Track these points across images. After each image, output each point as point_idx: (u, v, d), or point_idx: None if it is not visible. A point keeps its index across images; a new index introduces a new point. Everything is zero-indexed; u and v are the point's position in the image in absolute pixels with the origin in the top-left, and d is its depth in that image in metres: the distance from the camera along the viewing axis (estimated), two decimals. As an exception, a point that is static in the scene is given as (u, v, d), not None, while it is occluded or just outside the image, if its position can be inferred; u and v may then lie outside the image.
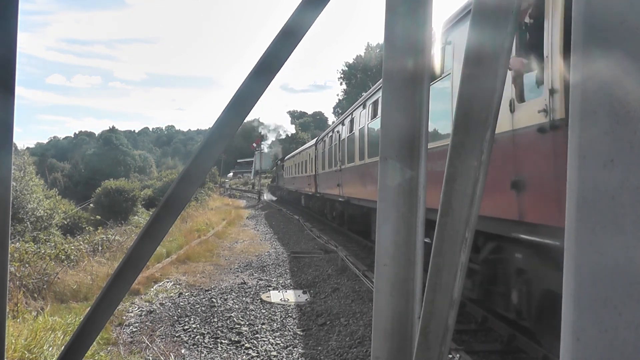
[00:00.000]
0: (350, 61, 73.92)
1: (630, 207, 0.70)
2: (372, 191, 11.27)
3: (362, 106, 13.13)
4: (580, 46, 0.73)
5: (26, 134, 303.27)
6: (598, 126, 0.72)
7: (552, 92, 4.19)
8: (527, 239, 4.51)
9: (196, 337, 6.39)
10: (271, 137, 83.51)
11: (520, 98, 4.77)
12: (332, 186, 17.94)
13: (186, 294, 8.73)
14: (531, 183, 4.58)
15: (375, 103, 11.60)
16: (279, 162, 47.94)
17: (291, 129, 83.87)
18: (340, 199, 16.54)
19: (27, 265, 8.40)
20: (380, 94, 11.30)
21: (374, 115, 11.59)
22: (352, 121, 14.37)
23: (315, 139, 25.30)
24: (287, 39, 1.34)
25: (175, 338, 6.36)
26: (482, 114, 1.01)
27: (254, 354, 5.79)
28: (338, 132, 16.90)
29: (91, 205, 30.39)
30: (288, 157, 40.32)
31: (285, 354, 5.78)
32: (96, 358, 5.29)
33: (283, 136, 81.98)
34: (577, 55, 0.74)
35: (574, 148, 0.74)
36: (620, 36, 0.71)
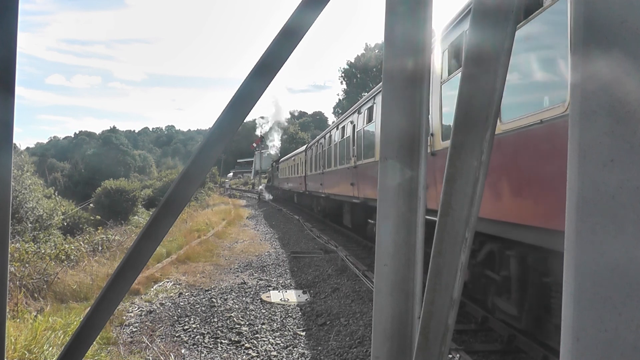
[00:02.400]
0: (352, 60, 73.95)
1: (630, 207, 0.70)
2: (343, 189, 15.10)
3: (336, 127, 17.32)
4: (580, 46, 0.73)
5: (26, 134, 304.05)
6: (598, 126, 0.72)
7: None
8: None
9: (196, 337, 6.39)
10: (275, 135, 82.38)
11: None
12: (317, 186, 21.93)
13: (186, 294, 8.73)
14: None
15: (343, 127, 15.64)
16: (274, 163, 49.62)
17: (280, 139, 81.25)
18: (322, 195, 20.50)
19: (27, 265, 8.39)
20: (346, 121, 14.89)
21: (342, 136, 15.62)
22: (330, 136, 18.44)
23: (305, 146, 29.45)
24: (287, 38, 1.34)
25: (175, 338, 6.36)
26: (482, 114, 1.01)
27: (254, 354, 5.79)
28: (321, 143, 21.01)
29: (91, 205, 30.31)
30: (282, 159, 43.25)
31: (285, 354, 5.78)
32: (96, 358, 5.29)
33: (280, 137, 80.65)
34: (577, 55, 0.74)
35: (574, 148, 0.74)
36: (620, 36, 0.71)
